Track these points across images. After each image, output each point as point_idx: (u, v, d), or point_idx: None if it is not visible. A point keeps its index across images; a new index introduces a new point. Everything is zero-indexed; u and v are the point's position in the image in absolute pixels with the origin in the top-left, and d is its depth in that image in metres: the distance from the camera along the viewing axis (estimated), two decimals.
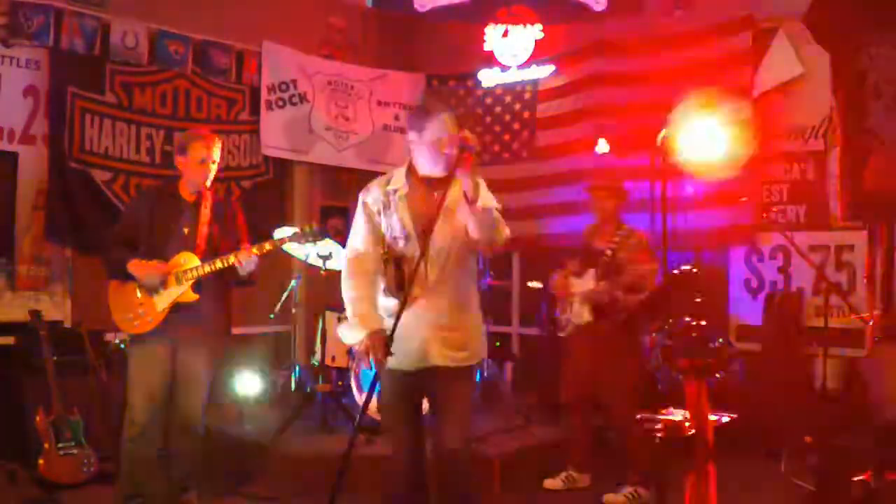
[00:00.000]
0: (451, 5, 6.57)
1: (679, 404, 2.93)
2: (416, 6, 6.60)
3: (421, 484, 3.12)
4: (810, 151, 5.53)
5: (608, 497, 4.35)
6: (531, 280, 6.14)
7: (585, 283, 4.57)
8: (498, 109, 7.15)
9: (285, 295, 5.86)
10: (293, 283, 5.86)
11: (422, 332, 2.97)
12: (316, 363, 5.60)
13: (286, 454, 4.63)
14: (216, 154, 3.85)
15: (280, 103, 6.71)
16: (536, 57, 6.82)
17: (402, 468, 3.11)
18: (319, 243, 4.39)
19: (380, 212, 3.04)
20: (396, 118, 7.29)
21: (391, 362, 2.91)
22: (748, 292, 5.82)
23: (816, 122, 5.49)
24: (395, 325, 2.79)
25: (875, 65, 4.61)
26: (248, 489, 4.48)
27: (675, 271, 3.70)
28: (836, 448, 4.21)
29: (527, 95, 7.00)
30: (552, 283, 4.79)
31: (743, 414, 3.08)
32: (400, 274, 3.01)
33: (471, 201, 2.83)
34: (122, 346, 4.90)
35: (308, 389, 5.40)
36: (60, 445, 4.43)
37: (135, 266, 3.70)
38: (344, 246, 3.28)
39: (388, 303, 3.05)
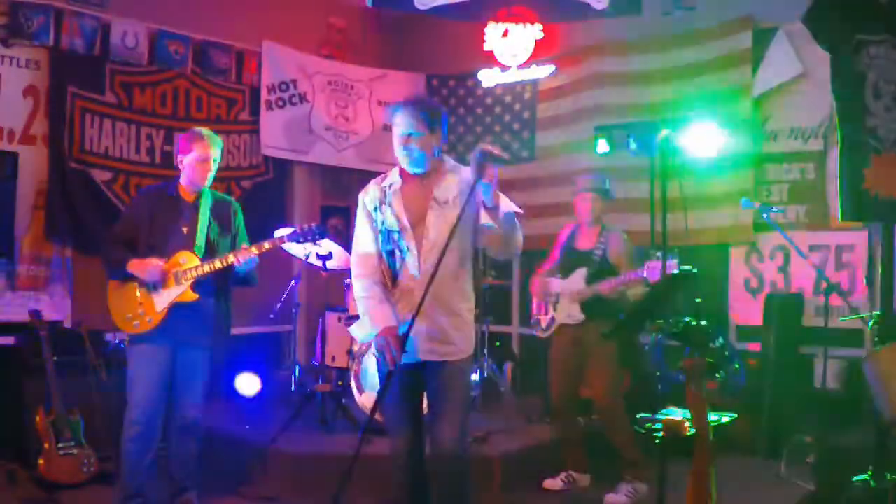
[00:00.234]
0: (451, 5, 6.57)
1: (679, 404, 2.93)
2: (416, 5, 6.60)
3: (421, 483, 3.12)
4: (810, 151, 5.54)
5: (609, 497, 4.35)
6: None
7: (573, 283, 4.59)
8: (498, 109, 7.15)
9: (285, 295, 5.86)
10: (293, 282, 5.86)
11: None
12: (316, 363, 5.60)
13: (286, 454, 4.63)
14: (217, 154, 3.85)
15: (280, 103, 6.71)
16: (536, 57, 6.82)
17: (401, 467, 3.11)
18: (319, 243, 4.39)
19: (376, 208, 3.10)
20: None
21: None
22: (748, 292, 5.82)
23: (816, 122, 5.49)
24: (412, 321, 2.79)
25: (875, 65, 4.61)
26: (248, 489, 4.48)
27: (675, 271, 3.70)
28: (836, 448, 4.22)
29: (527, 95, 7.00)
30: (532, 285, 4.80)
31: (743, 414, 3.08)
32: (394, 267, 3.06)
33: (492, 209, 2.85)
34: (122, 345, 4.90)
35: (308, 389, 5.40)
36: (60, 445, 4.43)
37: (134, 265, 3.70)
38: (344, 246, 3.31)
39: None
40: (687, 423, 2.81)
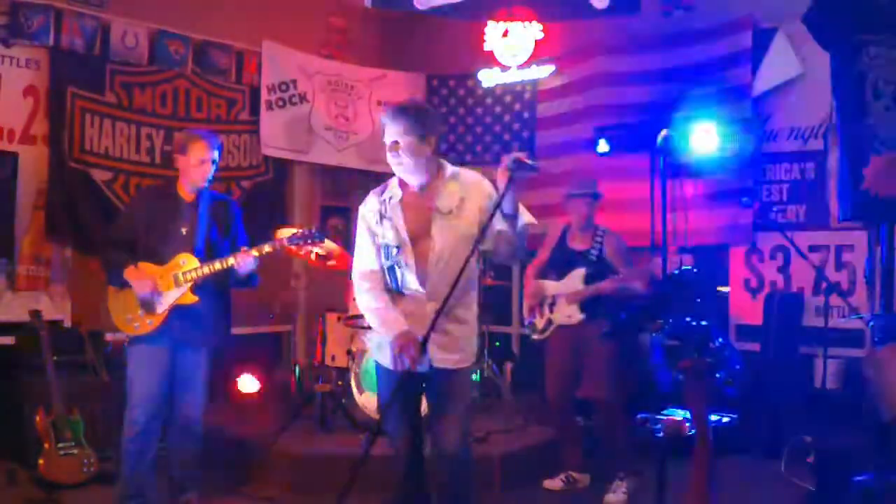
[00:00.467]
0: (451, 5, 6.56)
1: (679, 404, 2.93)
2: (416, 5, 6.59)
3: (421, 484, 3.12)
4: (810, 151, 5.54)
5: (609, 498, 4.36)
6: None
7: (569, 284, 4.59)
8: (498, 109, 7.15)
9: (285, 295, 5.86)
10: (293, 283, 5.86)
11: (417, 335, 2.95)
12: (316, 363, 5.60)
13: (286, 454, 4.63)
14: (216, 154, 3.85)
15: (280, 103, 6.71)
16: (536, 57, 6.82)
17: (402, 469, 3.10)
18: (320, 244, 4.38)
19: (377, 222, 3.04)
20: None
21: (388, 364, 2.93)
22: (748, 292, 5.82)
23: (816, 122, 5.49)
24: (431, 328, 2.76)
25: (875, 65, 4.61)
26: (248, 489, 4.48)
27: (675, 271, 3.71)
28: (836, 448, 4.21)
29: (527, 95, 7.00)
30: (527, 288, 4.79)
31: (743, 414, 3.08)
32: (395, 283, 3.01)
33: (511, 217, 2.84)
34: (123, 346, 4.90)
35: (308, 389, 5.40)
36: (60, 445, 4.43)
37: (130, 274, 3.68)
38: (344, 246, 3.29)
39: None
40: (687, 423, 2.81)
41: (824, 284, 5.05)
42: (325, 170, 7.20)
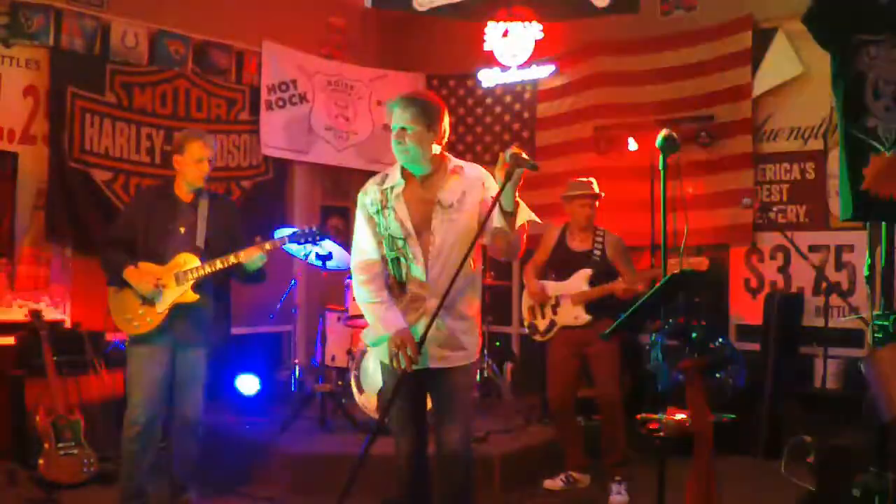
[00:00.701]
0: (451, 5, 6.56)
1: (679, 404, 2.93)
2: (415, 5, 6.59)
3: (424, 483, 3.12)
4: (810, 151, 5.54)
5: (613, 499, 4.35)
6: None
7: (573, 285, 4.58)
8: (498, 109, 7.15)
9: (285, 295, 5.86)
10: (293, 282, 5.86)
11: (420, 332, 2.95)
12: (316, 363, 5.60)
13: (286, 454, 4.63)
14: (212, 153, 3.85)
15: (280, 103, 6.71)
16: (536, 57, 6.81)
17: (405, 467, 3.09)
18: (320, 243, 4.38)
19: (378, 211, 3.00)
20: None
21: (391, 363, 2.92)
22: (748, 292, 5.82)
23: (816, 122, 5.49)
24: (429, 326, 2.76)
25: (875, 65, 4.61)
26: (248, 489, 4.48)
27: (675, 271, 3.70)
28: (836, 448, 4.21)
29: (527, 95, 7.00)
30: (529, 289, 4.78)
31: (743, 414, 3.08)
32: (399, 274, 2.98)
33: (509, 214, 2.82)
34: (122, 345, 4.91)
35: (308, 389, 5.41)
36: (60, 445, 4.43)
37: (130, 274, 3.69)
38: (344, 246, 3.28)
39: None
40: (687, 423, 2.81)
41: (824, 284, 5.05)
42: (325, 170, 7.20)
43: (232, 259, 3.68)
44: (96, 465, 4.49)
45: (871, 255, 5.16)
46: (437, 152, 2.99)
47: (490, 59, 6.95)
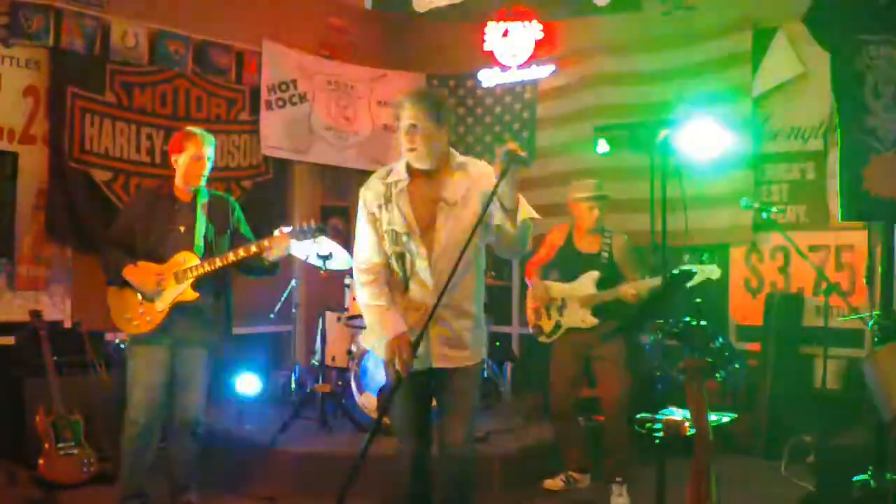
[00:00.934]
0: (450, 5, 6.56)
1: (679, 404, 2.93)
2: (415, 6, 6.59)
3: (425, 483, 3.11)
4: (810, 151, 5.53)
5: (616, 501, 4.35)
6: None
7: (581, 287, 4.57)
8: (498, 109, 7.15)
9: (285, 295, 5.86)
10: (293, 282, 5.86)
11: (412, 336, 2.93)
12: (316, 363, 5.60)
13: (286, 454, 4.63)
14: (210, 152, 3.85)
15: (280, 103, 6.71)
16: (536, 57, 6.82)
17: (407, 468, 3.08)
18: (319, 241, 4.37)
19: (381, 206, 2.97)
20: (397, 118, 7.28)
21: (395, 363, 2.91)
22: (748, 292, 5.82)
23: (816, 123, 5.49)
24: (424, 329, 2.75)
25: (875, 65, 4.62)
26: (248, 489, 4.48)
27: (675, 271, 3.70)
28: (836, 448, 4.21)
29: (527, 95, 6.99)
30: (532, 291, 4.77)
31: (743, 414, 3.08)
32: (403, 271, 2.97)
33: (509, 211, 2.81)
34: (122, 345, 4.91)
35: (308, 389, 5.40)
36: (60, 445, 4.43)
37: (130, 273, 3.70)
38: (344, 246, 3.27)
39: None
40: (687, 423, 2.80)
41: (824, 284, 5.04)
42: (325, 170, 7.20)
43: (231, 257, 3.67)
44: (96, 465, 4.49)
45: (871, 255, 5.18)
46: (444, 149, 2.98)
47: (490, 59, 6.95)
